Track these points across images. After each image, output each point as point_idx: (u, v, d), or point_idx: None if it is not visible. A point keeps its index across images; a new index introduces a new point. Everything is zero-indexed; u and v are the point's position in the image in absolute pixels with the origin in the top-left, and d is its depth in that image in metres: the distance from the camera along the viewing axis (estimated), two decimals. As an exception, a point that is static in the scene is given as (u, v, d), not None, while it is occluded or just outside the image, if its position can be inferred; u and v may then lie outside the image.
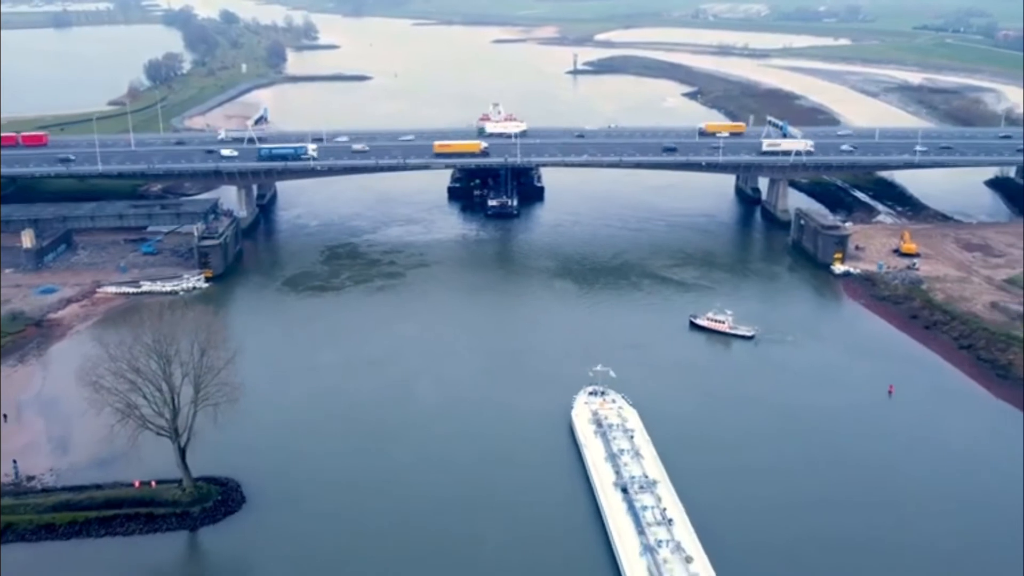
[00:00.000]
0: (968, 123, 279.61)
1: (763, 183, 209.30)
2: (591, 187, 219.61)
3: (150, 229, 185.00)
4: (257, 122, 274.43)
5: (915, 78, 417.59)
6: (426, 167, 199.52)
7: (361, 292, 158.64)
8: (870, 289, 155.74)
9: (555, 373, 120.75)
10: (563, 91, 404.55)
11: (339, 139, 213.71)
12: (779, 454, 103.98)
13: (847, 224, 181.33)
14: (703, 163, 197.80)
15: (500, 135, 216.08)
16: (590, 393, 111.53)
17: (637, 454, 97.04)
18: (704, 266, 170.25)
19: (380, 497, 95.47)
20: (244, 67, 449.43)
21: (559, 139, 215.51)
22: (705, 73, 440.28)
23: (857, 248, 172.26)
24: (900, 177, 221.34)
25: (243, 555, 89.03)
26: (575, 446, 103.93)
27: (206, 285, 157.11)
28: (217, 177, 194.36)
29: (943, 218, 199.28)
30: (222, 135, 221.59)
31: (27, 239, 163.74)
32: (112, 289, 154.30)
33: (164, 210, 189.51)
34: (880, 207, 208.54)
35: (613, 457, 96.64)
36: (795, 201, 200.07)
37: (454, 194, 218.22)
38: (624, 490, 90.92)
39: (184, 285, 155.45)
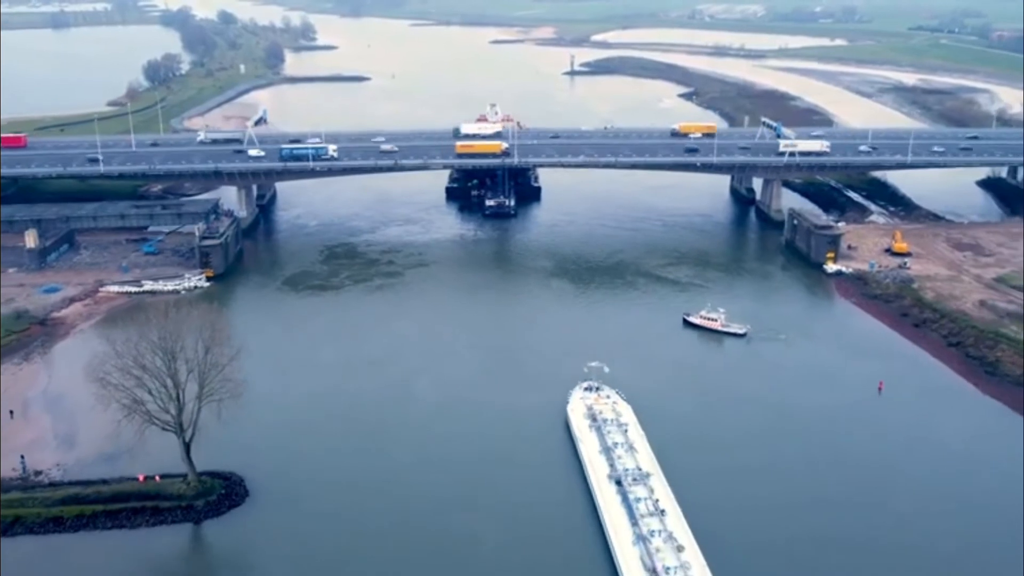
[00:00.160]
0: (961, 124, 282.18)
1: (757, 183, 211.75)
2: (588, 187, 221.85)
3: (151, 229, 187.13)
4: (257, 123, 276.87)
5: (909, 79, 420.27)
6: (424, 168, 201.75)
7: (360, 291, 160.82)
8: (862, 288, 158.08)
9: (551, 370, 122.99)
10: (560, 92, 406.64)
11: (311, 140, 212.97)
12: (769, 448, 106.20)
13: (840, 224, 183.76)
14: (698, 163, 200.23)
15: (475, 136, 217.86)
16: (585, 389, 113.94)
17: (631, 447, 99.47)
18: (698, 265, 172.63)
19: (381, 491, 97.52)
20: (242, 68, 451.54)
21: (533, 140, 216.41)
22: (701, 74, 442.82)
23: (849, 248, 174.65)
24: (893, 177, 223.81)
25: (246, 547, 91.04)
26: (570, 440, 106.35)
27: (207, 284, 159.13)
28: (217, 178, 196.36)
29: (935, 218, 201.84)
30: (201, 136, 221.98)
31: (30, 239, 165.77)
32: (114, 288, 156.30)
33: (165, 210, 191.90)
34: (873, 207, 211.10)
35: (607, 450, 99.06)
36: (789, 201, 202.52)
37: (452, 194, 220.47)
38: (618, 482, 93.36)
39: (186, 284, 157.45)
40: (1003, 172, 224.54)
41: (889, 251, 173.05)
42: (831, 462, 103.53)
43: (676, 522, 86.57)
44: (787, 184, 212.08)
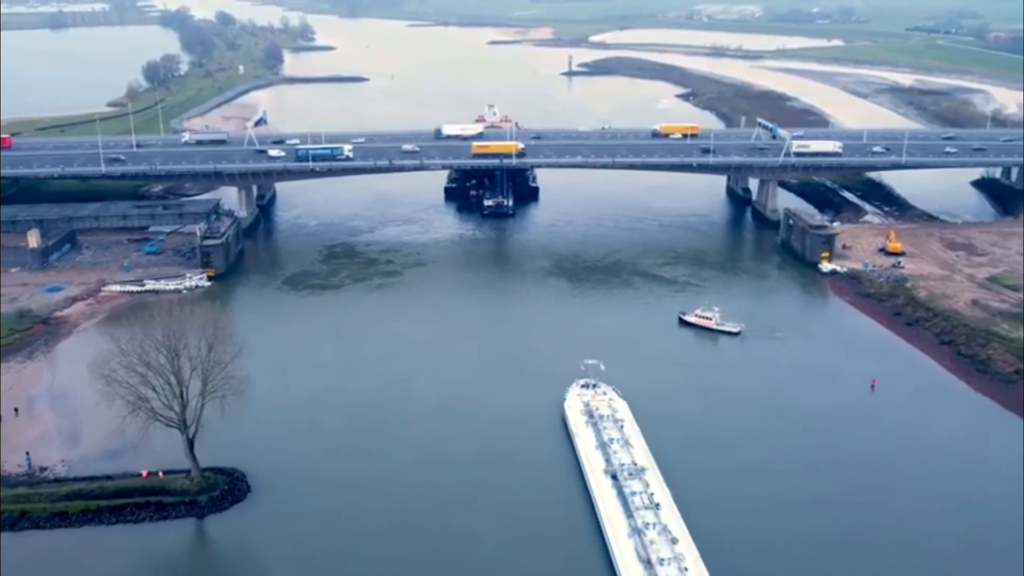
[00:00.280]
0: (957, 124, 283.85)
1: (754, 184, 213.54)
2: (585, 188, 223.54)
3: (152, 229, 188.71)
4: (256, 124, 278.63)
5: (906, 79, 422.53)
6: (423, 168, 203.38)
7: (360, 290, 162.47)
8: (856, 287, 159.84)
9: (549, 367, 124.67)
10: (558, 92, 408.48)
11: (291, 141, 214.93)
12: (762, 444, 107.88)
13: (835, 224, 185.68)
14: (694, 164, 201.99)
15: (456, 137, 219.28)
16: (582, 386, 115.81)
17: (626, 443, 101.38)
18: (695, 265, 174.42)
19: (380, 487, 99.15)
20: (241, 68, 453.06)
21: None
22: (699, 75, 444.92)
23: (844, 247, 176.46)
24: (888, 178, 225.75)
25: (249, 541, 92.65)
26: (567, 436, 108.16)
27: (208, 284, 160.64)
28: (217, 178, 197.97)
29: (929, 218, 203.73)
30: (186, 137, 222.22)
31: (33, 239, 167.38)
32: (117, 288, 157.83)
33: (167, 211, 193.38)
34: (868, 207, 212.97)
35: (603, 446, 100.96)
36: (785, 201, 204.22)
37: (450, 194, 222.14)
38: (614, 476, 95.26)
39: (187, 284, 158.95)
40: (997, 172, 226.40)
41: (883, 251, 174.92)
42: (822, 458, 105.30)
43: (670, 515, 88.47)
44: (783, 184, 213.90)
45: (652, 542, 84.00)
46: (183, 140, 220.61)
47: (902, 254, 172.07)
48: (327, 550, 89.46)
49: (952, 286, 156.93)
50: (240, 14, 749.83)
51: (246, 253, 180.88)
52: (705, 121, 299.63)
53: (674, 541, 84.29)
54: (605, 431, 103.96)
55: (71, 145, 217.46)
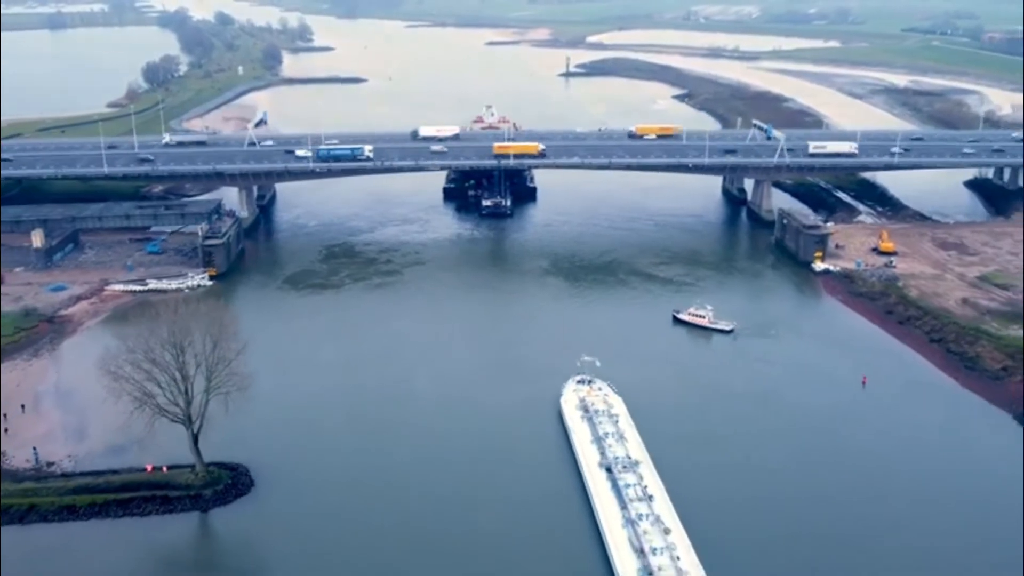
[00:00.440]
0: (951, 125, 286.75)
1: (749, 184, 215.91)
2: (583, 188, 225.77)
3: (154, 229, 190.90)
4: (257, 125, 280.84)
5: (901, 80, 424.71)
6: (422, 169, 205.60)
7: (360, 289, 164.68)
8: (848, 286, 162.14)
9: (546, 364, 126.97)
10: (555, 93, 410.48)
11: (265, 143, 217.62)
12: (753, 439, 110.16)
13: (828, 224, 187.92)
14: (690, 164, 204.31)
15: (433, 138, 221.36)
16: (578, 381, 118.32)
17: (621, 437, 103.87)
18: (690, 264, 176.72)
19: (381, 481, 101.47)
20: (240, 70, 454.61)
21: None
22: (695, 76, 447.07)
23: (837, 247, 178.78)
24: (882, 178, 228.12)
25: (252, 534, 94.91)
26: (564, 430, 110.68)
27: (210, 283, 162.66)
28: (219, 179, 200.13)
29: (921, 218, 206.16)
30: (167, 139, 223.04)
31: (37, 239, 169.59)
32: (119, 287, 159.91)
33: (169, 211, 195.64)
34: (861, 207, 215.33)
35: (599, 440, 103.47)
36: (780, 201, 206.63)
37: (449, 195, 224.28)
38: (608, 469, 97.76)
39: (189, 283, 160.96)
40: (989, 173, 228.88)
41: (876, 250, 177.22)
42: (812, 452, 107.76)
43: (663, 506, 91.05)
44: (778, 185, 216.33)
45: (645, 532, 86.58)
46: (163, 142, 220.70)
47: (894, 253, 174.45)
48: (328, 542, 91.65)
49: (943, 285, 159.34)
50: (238, 15, 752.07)
51: (247, 253, 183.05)
52: (702, 122, 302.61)
53: (666, 531, 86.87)
54: (600, 426, 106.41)
55: (74, 146, 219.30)
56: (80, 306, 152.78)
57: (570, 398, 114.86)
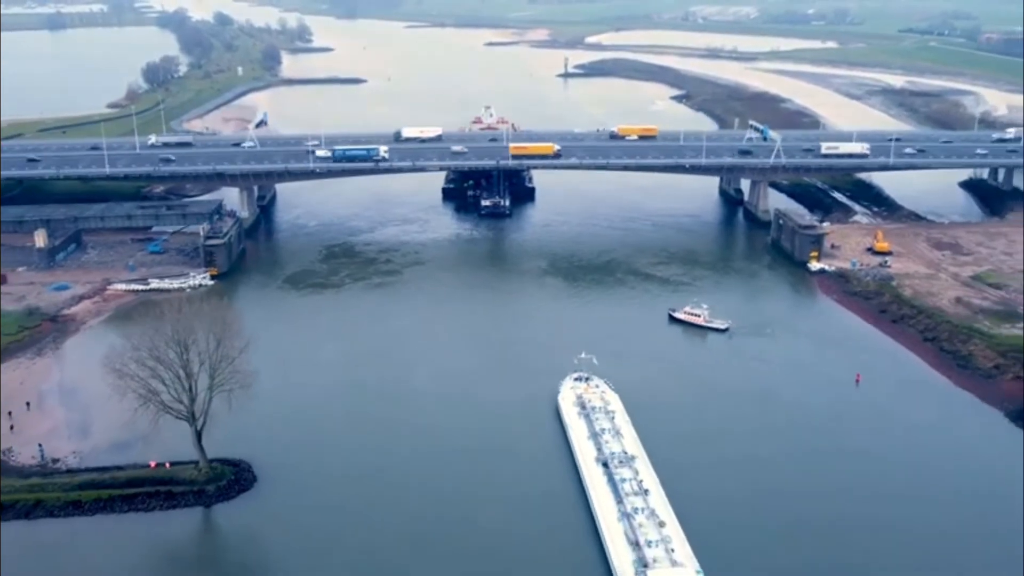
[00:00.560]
0: (947, 126, 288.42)
1: (746, 184, 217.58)
2: (582, 188, 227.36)
3: (155, 229, 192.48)
4: (257, 126, 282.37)
5: (898, 81, 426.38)
6: (421, 170, 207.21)
7: (360, 289, 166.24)
8: (843, 285, 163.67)
9: (544, 362, 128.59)
10: (554, 94, 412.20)
11: (246, 144, 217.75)
12: (747, 434, 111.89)
13: (824, 224, 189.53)
14: (687, 165, 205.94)
15: (415, 139, 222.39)
16: (575, 379, 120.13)
17: (617, 433, 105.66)
18: (687, 264, 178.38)
19: (382, 478, 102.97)
20: (240, 70, 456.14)
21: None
22: (694, 76, 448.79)
23: (833, 247, 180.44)
24: (878, 179, 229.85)
25: (255, 529, 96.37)
26: (561, 426, 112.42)
27: (211, 283, 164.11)
28: (220, 179, 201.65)
29: (916, 218, 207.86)
30: (152, 140, 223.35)
31: (40, 239, 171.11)
32: (122, 286, 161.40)
33: (171, 211, 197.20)
34: (857, 207, 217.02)
35: (595, 435, 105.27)
36: (776, 202, 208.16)
37: (448, 195, 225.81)
38: (604, 464, 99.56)
39: (191, 283, 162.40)
40: (984, 174, 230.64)
41: (871, 250, 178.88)
42: (806, 448, 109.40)
43: (658, 500, 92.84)
44: (775, 185, 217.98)
45: (640, 525, 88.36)
46: (149, 143, 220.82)
47: (889, 253, 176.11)
48: (330, 537, 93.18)
49: (937, 284, 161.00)
50: (237, 15, 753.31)
51: (248, 253, 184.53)
52: (699, 123, 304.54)
53: (661, 524, 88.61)
54: (597, 422, 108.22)
55: (75, 147, 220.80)
56: (83, 305, 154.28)
57: (567, 395, 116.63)
